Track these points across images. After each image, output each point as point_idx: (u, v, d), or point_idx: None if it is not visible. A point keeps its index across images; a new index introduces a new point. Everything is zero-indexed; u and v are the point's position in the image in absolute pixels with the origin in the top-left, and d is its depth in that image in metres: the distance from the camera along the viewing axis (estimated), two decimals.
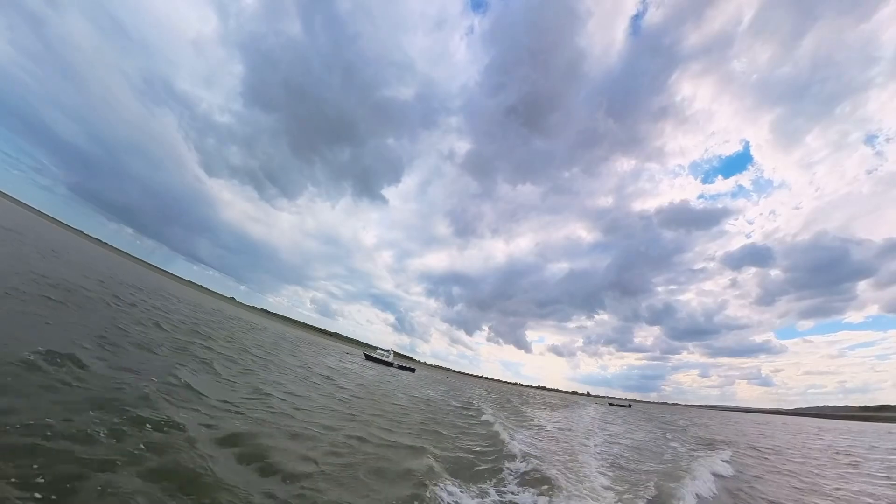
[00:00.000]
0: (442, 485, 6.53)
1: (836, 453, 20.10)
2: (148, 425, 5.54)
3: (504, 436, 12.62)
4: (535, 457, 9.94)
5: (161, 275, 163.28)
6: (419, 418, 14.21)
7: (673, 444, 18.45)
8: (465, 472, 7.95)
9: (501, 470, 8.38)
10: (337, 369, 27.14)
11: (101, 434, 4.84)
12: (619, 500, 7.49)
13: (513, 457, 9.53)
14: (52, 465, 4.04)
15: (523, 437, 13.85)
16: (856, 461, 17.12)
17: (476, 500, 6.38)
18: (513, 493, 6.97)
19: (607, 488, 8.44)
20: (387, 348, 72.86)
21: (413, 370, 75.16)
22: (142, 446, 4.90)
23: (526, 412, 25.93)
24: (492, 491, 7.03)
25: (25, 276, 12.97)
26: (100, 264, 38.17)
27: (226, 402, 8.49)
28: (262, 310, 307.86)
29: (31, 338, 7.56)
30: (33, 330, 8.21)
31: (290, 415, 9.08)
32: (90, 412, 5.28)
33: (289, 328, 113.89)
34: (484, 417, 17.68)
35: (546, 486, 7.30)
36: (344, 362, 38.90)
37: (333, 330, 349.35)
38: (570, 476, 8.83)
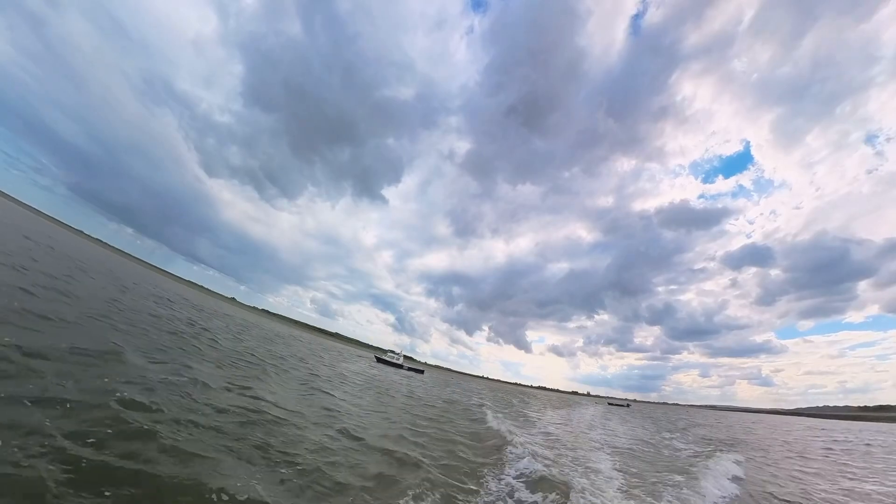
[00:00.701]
0: (509, 451, 10.39)
1: (805, 445, 23.76)
2: (307, 444, 7.67)
3: (527, 427, 16.34)
4: (552, 437, 13.74)
5: (163, 276, 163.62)
6: (464, 416, 17.72)
7: (664, 433, 21.97)
8: (513, 446, 11.21)
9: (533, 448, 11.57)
10: (369, 376, 30.05)
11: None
12: (617, 468, 10.78)
13: (538, 439, 13.08)
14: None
15: (540, 428, 17.35)
16: (808, 449, 21.08)
17: (528, 456, 9.80)
18: (544, 460, 9.98)
19: (606, 460, 11.88)
20: (397, 351, 74.54)
21: (422, 371, 76.62)
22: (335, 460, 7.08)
23: (535, 410, 29.61)
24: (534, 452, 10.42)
25: (108, 304, 14.33)
26: (122, 273, 39.54)
27: (339, 414, 10.70)
28: (263, 310, 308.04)
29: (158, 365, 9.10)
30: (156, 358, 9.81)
31: (390, 426, 11.66)
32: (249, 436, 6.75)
33: (299, 332, 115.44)
34: (505, 412, 21.09)
35: (561, 458, 11.02)
36: (366, 367, 41.15)
37: (334, 330, 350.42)
38: (579, 452, 12.26)
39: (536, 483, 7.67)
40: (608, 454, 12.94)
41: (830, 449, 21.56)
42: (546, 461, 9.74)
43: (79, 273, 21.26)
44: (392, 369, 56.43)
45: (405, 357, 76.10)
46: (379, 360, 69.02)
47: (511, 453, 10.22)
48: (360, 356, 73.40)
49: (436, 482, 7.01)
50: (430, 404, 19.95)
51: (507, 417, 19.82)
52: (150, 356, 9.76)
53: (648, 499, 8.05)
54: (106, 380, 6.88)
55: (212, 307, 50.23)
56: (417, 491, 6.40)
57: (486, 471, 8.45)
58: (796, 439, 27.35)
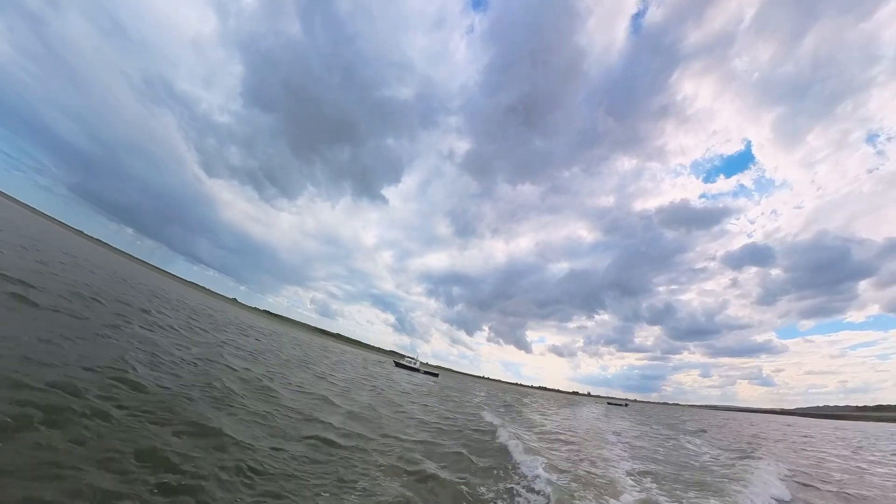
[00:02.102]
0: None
1: (763, 434, 30.35)
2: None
3: (545, 420, 22.89)
4: (569, 424, 20.30)
5: (165, 277, 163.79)
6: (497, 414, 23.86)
7: (651, 423, 28.25)
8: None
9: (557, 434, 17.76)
10: (412, 383, 34.84)
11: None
12: (619, 442, 16.57)
13: (557, 428, 19.43)
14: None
15: (558, 419, 23.34)
16: (759, 438, 27.67)
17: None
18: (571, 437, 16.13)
19: (612, 434, 18.00)
20: (412, 356, 76.77)
21: (437, 375, 77.87)
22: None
23: (547, 408, 35.90)
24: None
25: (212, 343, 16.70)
26: (159, 286, 41.89)
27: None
28: (265, 311, 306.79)
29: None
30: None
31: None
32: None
33: (318, 338, 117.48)
34: (523, 410, 27.62)
35: (580, 437, 17.15)
36: (398, 374, 44.48)
37: (335, 331, 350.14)
38: (594, 433, 18.35)
39: None
40: (615, 435, 19.42)
41: (779, 440, 27.12)
42: None
43: (165, 305, 23.70)
44: (411, 373, 57.94)
45: (404, 356, 78.88)
46: (398, 364, 70.55)
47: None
48: (380, 361, 75.01)
49: None
50: (471, 403, 26.00)
51: (530, 412, 26.41)
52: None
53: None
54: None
55: (260, 326, 52.93)
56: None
57: None
58: (762, 431, 33.82)
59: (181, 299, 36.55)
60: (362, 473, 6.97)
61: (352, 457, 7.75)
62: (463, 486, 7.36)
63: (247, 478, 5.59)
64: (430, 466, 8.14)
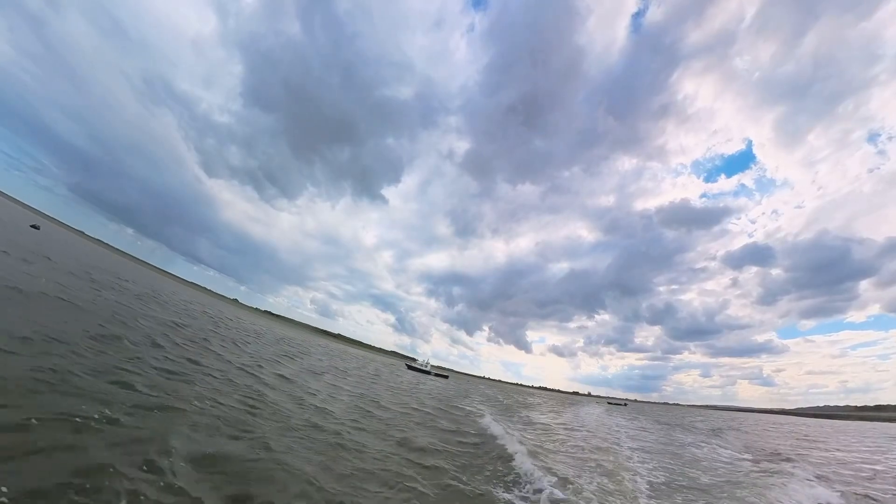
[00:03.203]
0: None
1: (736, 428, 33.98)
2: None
3: (557, 415, 26.16)
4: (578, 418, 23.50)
5: (166, 277, 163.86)
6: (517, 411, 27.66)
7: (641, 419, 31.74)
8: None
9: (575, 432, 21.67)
10: (440, 388, 41.94)
11: None
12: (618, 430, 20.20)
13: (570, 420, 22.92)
14: None
15: (568, 416, 26.48)
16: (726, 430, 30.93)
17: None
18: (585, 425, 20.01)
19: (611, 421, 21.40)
20: (422, 360, 78.20)
21: (447, 377, 78.69)
22: None
23: (554, 407, 39.12)
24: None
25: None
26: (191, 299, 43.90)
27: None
28: (266, 311, 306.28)
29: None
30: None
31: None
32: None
33: (328, 341, 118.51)
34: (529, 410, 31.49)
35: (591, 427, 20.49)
36: (418, 379, 51.90)
37: (336, 331, 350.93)
38: (600, 423, 21.45)
39: None
40: (616, 422, 22.18)
41: (745, 432, 31.24)
42: None
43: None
44: (423, 376, 58.83)
45: (405, 356, 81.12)
46: (409, 367, 71.47)
47: None
48: (392, 363, 75.98)
49: None
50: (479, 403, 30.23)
51: (542, 410, 29.60)
52: None
53: None
54: None
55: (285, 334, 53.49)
56: None
57: None
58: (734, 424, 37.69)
59: (226, 317, 37.15)
60: None
61: None
62: None
63: None
64: None
